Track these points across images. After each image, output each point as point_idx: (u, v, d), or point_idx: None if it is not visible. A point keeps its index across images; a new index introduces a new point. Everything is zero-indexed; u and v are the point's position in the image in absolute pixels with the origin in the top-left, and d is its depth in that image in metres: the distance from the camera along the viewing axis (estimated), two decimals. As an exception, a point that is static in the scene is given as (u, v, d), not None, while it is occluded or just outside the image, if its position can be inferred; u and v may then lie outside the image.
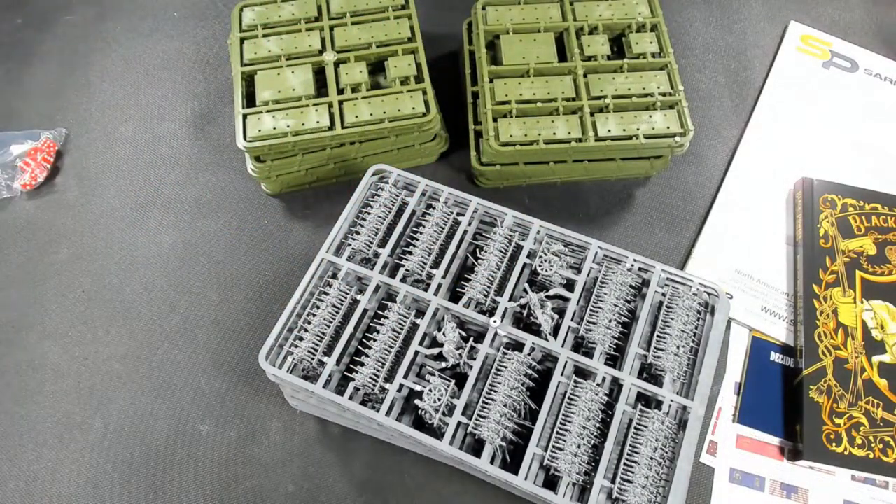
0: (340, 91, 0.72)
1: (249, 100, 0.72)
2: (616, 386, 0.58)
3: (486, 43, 0.76)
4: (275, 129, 0.69)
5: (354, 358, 0.60)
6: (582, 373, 0.59)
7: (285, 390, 0.62)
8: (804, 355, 0.65)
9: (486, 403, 0.56)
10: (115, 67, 0.87)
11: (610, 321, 0.59)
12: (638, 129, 0.70)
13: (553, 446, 0.54)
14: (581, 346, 0.61)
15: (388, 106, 0.71)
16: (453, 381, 0.58)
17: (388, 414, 0.56)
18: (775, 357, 0.68)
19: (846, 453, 0.61)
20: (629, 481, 0.53)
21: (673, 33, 0.87)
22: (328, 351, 0.59)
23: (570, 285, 0.63)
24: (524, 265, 0.63)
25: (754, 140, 0.81)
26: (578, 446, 0.54)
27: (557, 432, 0.55)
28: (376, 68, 0.76)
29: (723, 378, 0.67)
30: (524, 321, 0.63)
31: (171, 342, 0.69)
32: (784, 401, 0.66)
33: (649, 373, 0.59)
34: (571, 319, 0.60)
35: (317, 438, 0.64)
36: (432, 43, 0.82)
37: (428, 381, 0.58)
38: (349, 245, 0.63)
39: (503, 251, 0.63)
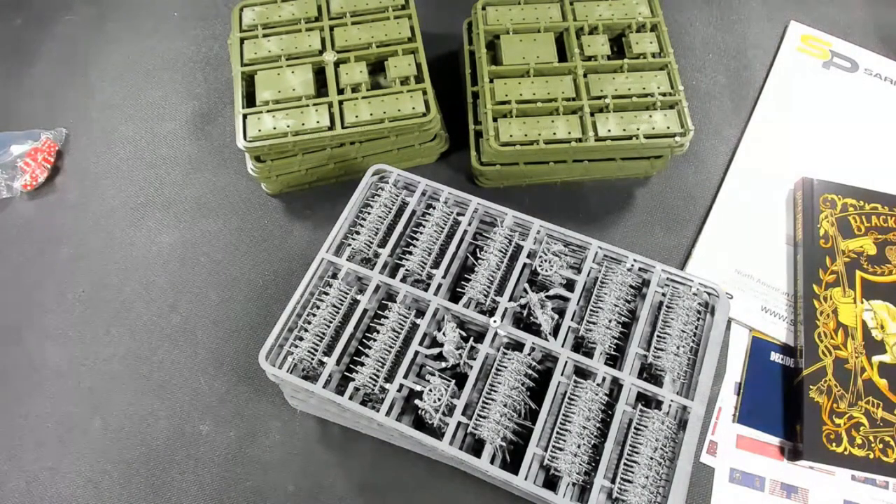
0: (340, 91, 0.72)
1: (249, 100, 0.72)
2: (616, 386, 0.58)
3: (486, 43, 0.76)
4: (275, 129, 0.69)
5: (354, 358, 0.60)
6: (582, 373, 0.59)
7: (285, 390, 0.62)
8: (804, 355, 0.65)
9: (486, 403, 0.56)
10: (115, 67, 0.87)
11: (610, 321, 0.59)
12: (638, 129, 0.70)
13: (553, 446, 0.54)
14: (581, 346, 0.61)
15: (388, 106, 0.71)
16: (453, 381, 0.58)
17: (388, 414, 0.56)
18: (775, 357, 0.68)
19: (846, 453, 0.61)
20: (629, 481, 0.53)
21: (673, 33, 0.87)
22: (328, 351, 0.59)
23: (570, 285, 0.63)
24: (524, 265, 0.63)
25: (754, 140, 0.81)
26: (578, 446, 0.54)
27: (557, 432, 0.55)
28: (376, 68, 0.76)
29: (723, 378, 0.67)
30: (524, 321, 0.63)
31: (171, 342, 0.69)
32: (784, 401, 0.66)
33: (649, 373, 0.59)
34: (571, 319, 0.60)
35: (317, 438, 0.64)
36: (432, 43, 0.82)
37: (428, 381, 0.58)
38: (349, 245, 0.63)
39: (503, 251, 0.63)
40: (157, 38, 0.90)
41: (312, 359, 0.58)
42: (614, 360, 0.61)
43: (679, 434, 0.56)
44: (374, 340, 0.59)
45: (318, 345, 0.59)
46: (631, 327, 0.61)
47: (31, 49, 0.89)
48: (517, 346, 0.60)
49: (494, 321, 0.59)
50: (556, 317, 0.60)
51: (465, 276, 0.63)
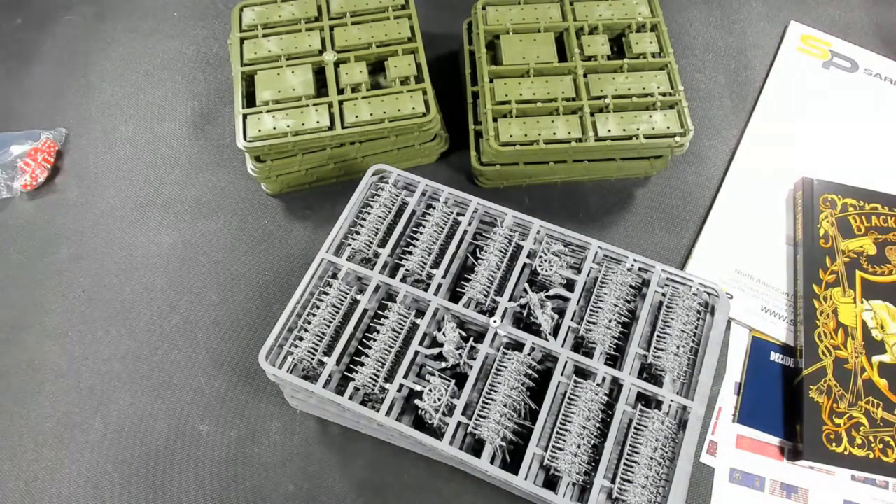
0: (340, 91, 0.72)
1: (249, 100, 0.72)
2: (616, 386, 0.58)
3: (486, 43, 0.76)
4: (275, 129, 0.69)
5: (354, 358, 0.60)
6: (582, 373, 0.59)
7: (285, 390, 0.62)
8: (804, 355, 0.65)
9: (486, 403, 0.56)
10: (115, 67, 0.87)
11: (610, 321, 0.59)
12: (638, 129, 0.70)
13: (553, 446, 0.54)
14: (581, 346, 0.61)
15: (388, 106, 0.71)
16: (453, 381, 0.58)
17: (388, 414, 0.56)
18: (775, 357, 0.68)
19: (846, 453, 0.61)
20: (629, 481, 0.53)
21: (673, 33, 0.87)
22: (328, 351, 0.59)
23: (570, 285, 0.63)
24: (524, 265, 0.63)
25: (754, 140, 0.81)
26: (578, 446, 0.54)
27: (557, 432, 0.55)
28: (376, 68, 0.76)
29: (723, 378, 0.67)
30: (524, 321, 0.63)
31: (171, 342, 0.69)
32: (784, 401, 0.66)
33: (649, 373, 0.59)
34: (571, 319, 0.60)
35: (317, 438, 0.64)
36: (432, 43, 0.82)
37: (428, 381, 0.58)
38: (349, 245, 0.63)
39: (503, 251, 0.63)
40: (156, 38, 0.90)
41: (312, 359, 0.58)
42: (614, 360, 0.61)
43: (679, 434, 0.56)
44: (374, 340, 0.59)
45: (318, 345, 0.59)
46: (631, 327, 0.61)
47: (31, 49, 0.89)
48: (517, 346, 0.60)
49: (494, 321, 0.59)
50: (556, 317, 0.60)
51: (465, 276, 0.63)
